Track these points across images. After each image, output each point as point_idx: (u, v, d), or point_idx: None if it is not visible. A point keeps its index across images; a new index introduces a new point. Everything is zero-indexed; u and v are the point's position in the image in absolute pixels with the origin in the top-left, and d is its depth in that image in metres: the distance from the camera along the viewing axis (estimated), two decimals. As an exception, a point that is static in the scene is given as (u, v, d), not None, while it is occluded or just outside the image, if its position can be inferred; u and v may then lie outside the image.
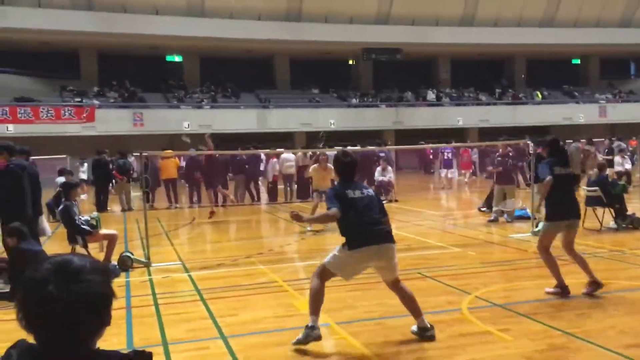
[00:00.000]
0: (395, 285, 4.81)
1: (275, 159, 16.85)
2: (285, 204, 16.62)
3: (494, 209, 11.79)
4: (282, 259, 8.73)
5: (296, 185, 17.11)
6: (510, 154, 12.27)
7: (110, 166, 16.97)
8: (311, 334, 4.52)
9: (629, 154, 19.73)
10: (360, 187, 4.90)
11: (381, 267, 4.80)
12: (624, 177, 15.82)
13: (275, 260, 8.43)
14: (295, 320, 5.32)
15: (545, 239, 6.17)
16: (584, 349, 4.36)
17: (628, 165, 17.27)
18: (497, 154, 12.37)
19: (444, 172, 20.96)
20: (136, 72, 33.62)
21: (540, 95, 37.70)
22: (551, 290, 5.97)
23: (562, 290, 5.91)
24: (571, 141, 20.49)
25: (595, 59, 41.36)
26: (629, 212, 10.23)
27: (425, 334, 4.65)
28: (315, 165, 12.03)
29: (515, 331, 4.79)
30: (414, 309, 4.74)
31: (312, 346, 4.60)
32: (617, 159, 17.19)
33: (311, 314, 4.61)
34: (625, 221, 10.09)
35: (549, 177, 5.98)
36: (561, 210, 6.07)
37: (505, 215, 11.55)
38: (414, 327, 4.74)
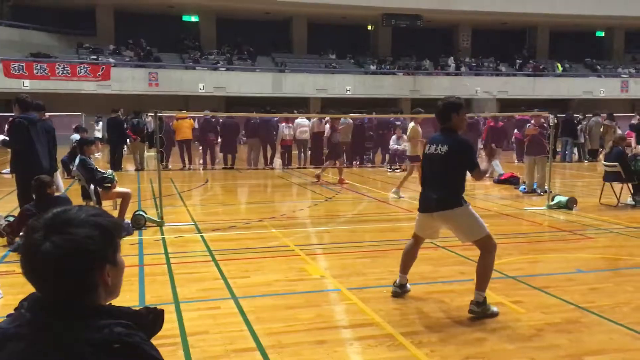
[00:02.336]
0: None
1: (284, 124, 16.76)
2: (299, 169, 16.59)
3: (524, 180, 11.68)
4: (294, 223, 8.72)
5: (310, 151, 17.04)
6: (544, 124, 11.80)
7: (125, 125, 16.97)
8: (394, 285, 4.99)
9: None
10: None
11: None
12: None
13: (288, 225, 8.43)
14: (306, 285, 5.32)
15: None
16: (597, 324, 4.32)
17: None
18: (529, 124, 12.02)
19: None
20: (152, 31, 33.39)
21: (560, 68, 36.95)
22: None
23: None
24: (591, 115, 20.13)
25: (620, 32, 40.31)
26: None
27: (394, 286, 4.96)
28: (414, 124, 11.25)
29: (527, 303, 4.75)
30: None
31: (323, 310, 4.60)
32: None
33: None
34: (643, 197, 9.93)
35: None
36: None
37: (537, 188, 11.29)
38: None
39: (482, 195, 11.73)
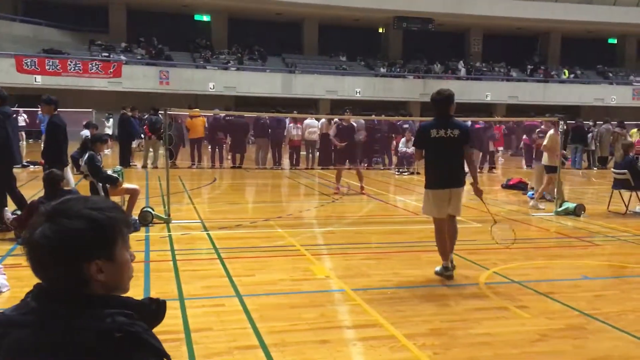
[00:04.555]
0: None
1: (292, 124, 16.77)
2: (307, 170, 16.60)
3: (534, 187, 11.50)
4: (301, 223, 8.73)
5: (318, 152, 17.04)
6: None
7: (138, 122, 17.03)
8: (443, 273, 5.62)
9: None
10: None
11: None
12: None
13: (294, 225, 8.44)
14: (311, 285, 5.33)
15: None
16: (602, 331, 4.30)
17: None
18: (539, 129, 11.82)
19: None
20: (164, 30, 33.54)
21: (567, 74, 36.68)
22: None
23: None
24: (601, 122, 20.01)
25: (633, 39, 40.07)
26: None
27: (444, 273, 5.56)
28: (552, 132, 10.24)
29: (532, 309, 4.73)
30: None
31: (327, 310, 4.61)
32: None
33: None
34: (652, 206, 9.86)
35: None
36: None
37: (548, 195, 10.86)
38: (437, 268, 5.65)
39: (490, 200, 11.68)
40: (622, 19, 35.45)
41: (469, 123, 19.16)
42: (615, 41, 40.79)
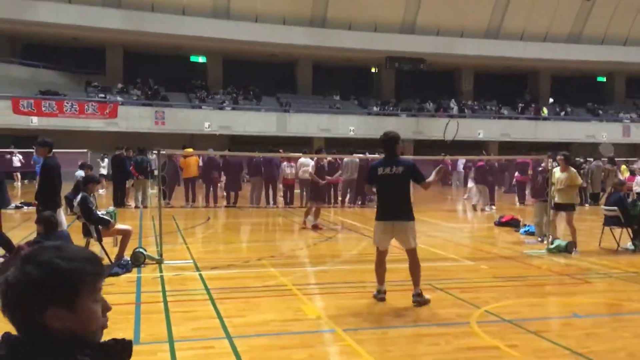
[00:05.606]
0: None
1: (286, 162, 16.92)
2: (301, 208, 16.63)
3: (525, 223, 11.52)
4: (293, 262, 8.74)
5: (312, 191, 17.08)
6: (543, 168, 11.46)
7: (126, 162, 17.13)
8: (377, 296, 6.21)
9: None
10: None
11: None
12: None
13: (287, 264, 8.44)
14: (302, 325, 5.32)
15: None
16: (592, 370, 4.30)
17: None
18: (541, 168, 11.63)
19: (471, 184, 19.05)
20: (160, 71, 34.03)
21: (545, 112, 36.96)
22: None
23: None
24: (592, 159, 20.23)
25: (621, 77, 40.84)
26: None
27: (417, 299, 5.96)
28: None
29: (523, 347, 4.73)
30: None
31: (317, 351, 4.60)
32: (638, 178, 16.92)
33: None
34: (643, 243, 9.91)
35: None
36: None
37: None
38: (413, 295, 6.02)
39: (482, 238, 11.73)
40: (611, 57, 36.23)
41: (464, 161, 19.66)
42: (604, 79, 41.56)
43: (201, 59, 36.40)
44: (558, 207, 9.88)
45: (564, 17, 36.01)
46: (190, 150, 17.18)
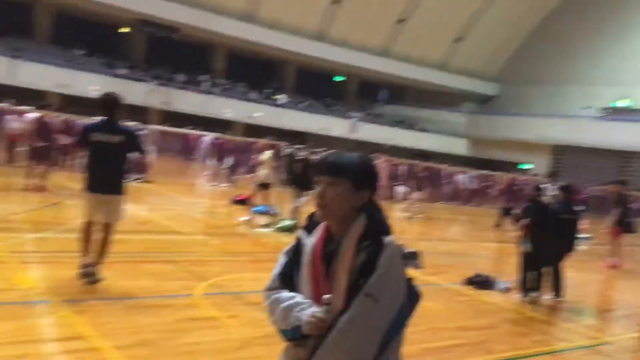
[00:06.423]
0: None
1: (14, 116, 15.08)
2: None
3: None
4: (10, 227, 7.87)
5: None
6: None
7: None
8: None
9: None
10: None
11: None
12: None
13: (2, 229, 7.59)
14: (11, 295, 4.88)
15: None
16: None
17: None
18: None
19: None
20: None
21: (279, 97, 39.39)
22: None
23: None
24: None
25: (356, 80, 45.86)
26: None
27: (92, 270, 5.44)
28: None
29: (241, 318, 5.08)
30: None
31: (28, 323, 4.28)
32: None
33: None
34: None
35: None
36: None
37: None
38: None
39: (217, 215, 12.08)
40: (348, 60, 40.30)
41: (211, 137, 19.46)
42: (344, 78, 46.19)
43: None
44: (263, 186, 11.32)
45: (312, 14, 38.73)
46: None
